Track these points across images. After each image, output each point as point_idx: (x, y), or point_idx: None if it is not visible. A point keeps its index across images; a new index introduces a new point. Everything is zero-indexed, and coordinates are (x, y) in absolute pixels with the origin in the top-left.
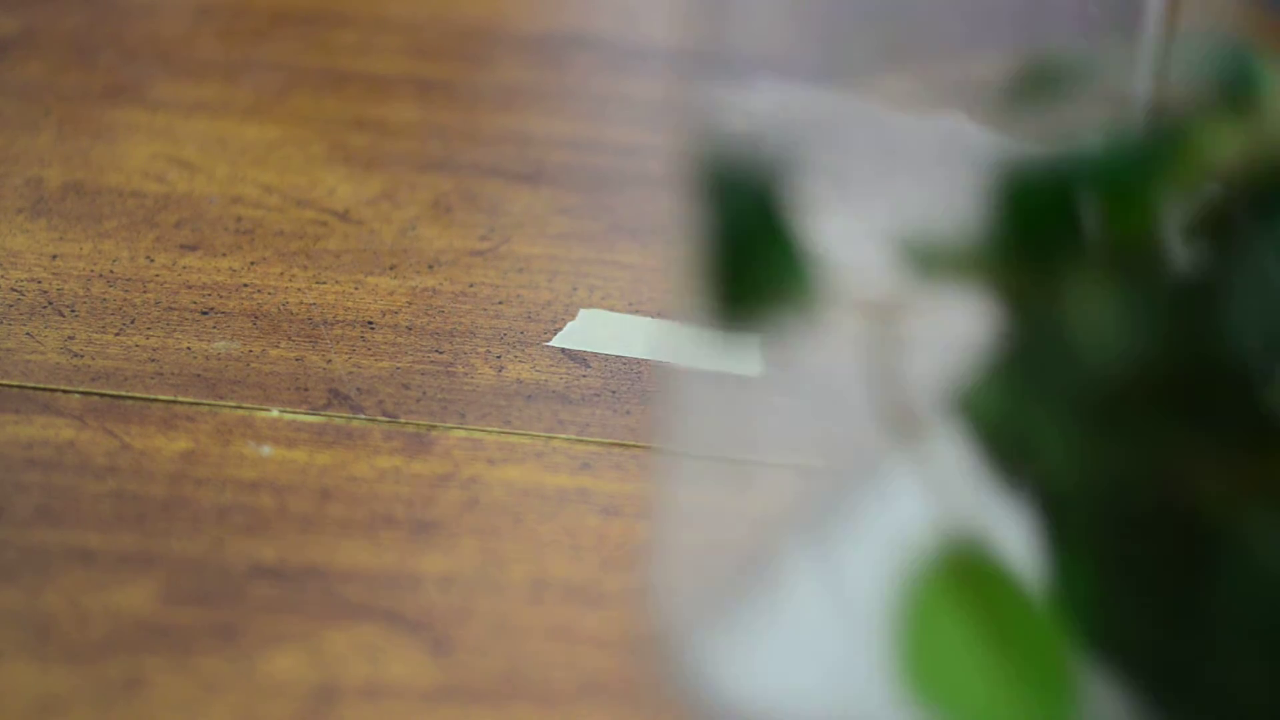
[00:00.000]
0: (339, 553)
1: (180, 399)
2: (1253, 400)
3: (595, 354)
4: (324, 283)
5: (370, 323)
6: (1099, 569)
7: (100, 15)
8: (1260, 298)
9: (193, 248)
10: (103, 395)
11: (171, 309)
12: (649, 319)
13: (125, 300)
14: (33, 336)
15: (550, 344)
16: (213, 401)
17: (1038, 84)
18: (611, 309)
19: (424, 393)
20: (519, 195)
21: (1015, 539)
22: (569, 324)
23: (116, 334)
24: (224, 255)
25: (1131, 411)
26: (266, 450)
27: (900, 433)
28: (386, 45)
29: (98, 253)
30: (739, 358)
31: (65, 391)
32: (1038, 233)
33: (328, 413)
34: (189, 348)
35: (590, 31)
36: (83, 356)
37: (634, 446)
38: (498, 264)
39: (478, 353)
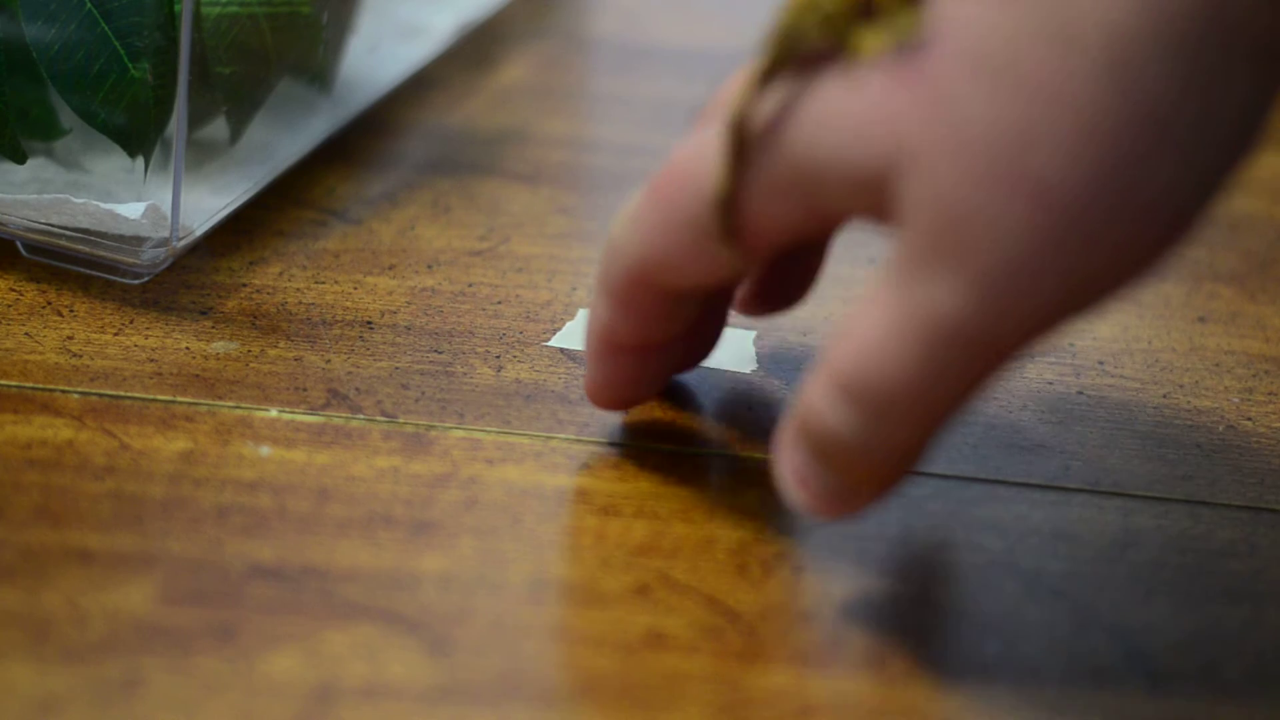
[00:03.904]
0: (338, 553)
1: (179, 399)
2: None
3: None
4: (323, 283)
5: (369, 323)
6: None
7: None
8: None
9: (192, 248)
10: (101, 395)
11: (170, 309)
12: None
13: (124, 300)
14: (31, 336)
15: (549, 344)
16: (211, 401)
17: None
18: None
19: (423, 392)
20: (518, 195)
21: None
22: (568, 324)
23: (115, 334)
24: (223, 255)
25: None
26: (265, 450)
27: None
28: None
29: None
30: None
31: (64, 391)
32: None
33: (326, 413)
34: (188, 348)
35: (590, 31)
36: (81, 356)
37: (633, 446)
38: (496, 264)
39: (476, 352)
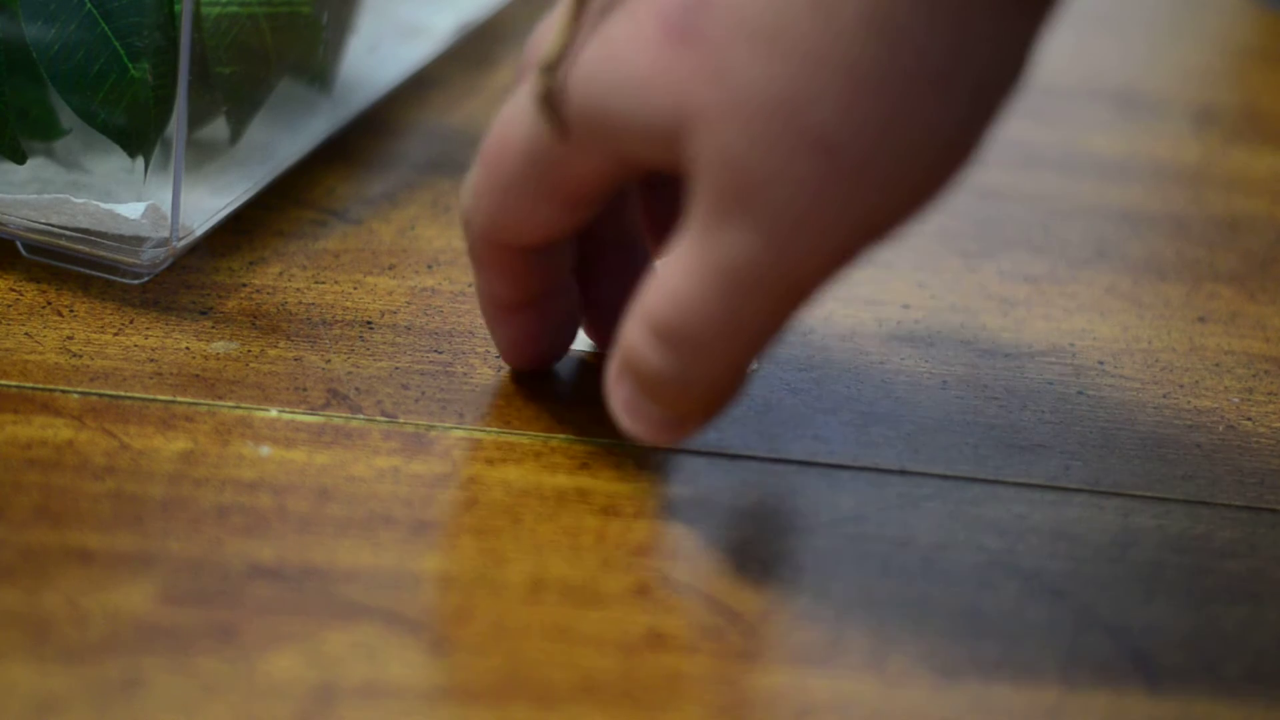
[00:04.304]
0: (338, 553)
1: (179, 399)
2: None
3: (593, 353)
4: (323, 283)
5: (369, 323)
6: None
7: None
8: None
9: (192, 248)
10: (101, 395)
11: (170, 309)
12: None
13: (124, 300)
14: (31, 336)
15: None
16: (211, 401)
17: None
18: None
19: (423, 392)
20: None
21: None
22: None
23: (115, 334)
24: (223, 255)
25: None
26: (265, 450)
27: None
28: None
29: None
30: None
31: (64, 391)
32: None
33: (326, 413)
34: (188, 348)
35: None
36: (81, 356)
37: (633, 446)
38: None
39: (476, 352)
